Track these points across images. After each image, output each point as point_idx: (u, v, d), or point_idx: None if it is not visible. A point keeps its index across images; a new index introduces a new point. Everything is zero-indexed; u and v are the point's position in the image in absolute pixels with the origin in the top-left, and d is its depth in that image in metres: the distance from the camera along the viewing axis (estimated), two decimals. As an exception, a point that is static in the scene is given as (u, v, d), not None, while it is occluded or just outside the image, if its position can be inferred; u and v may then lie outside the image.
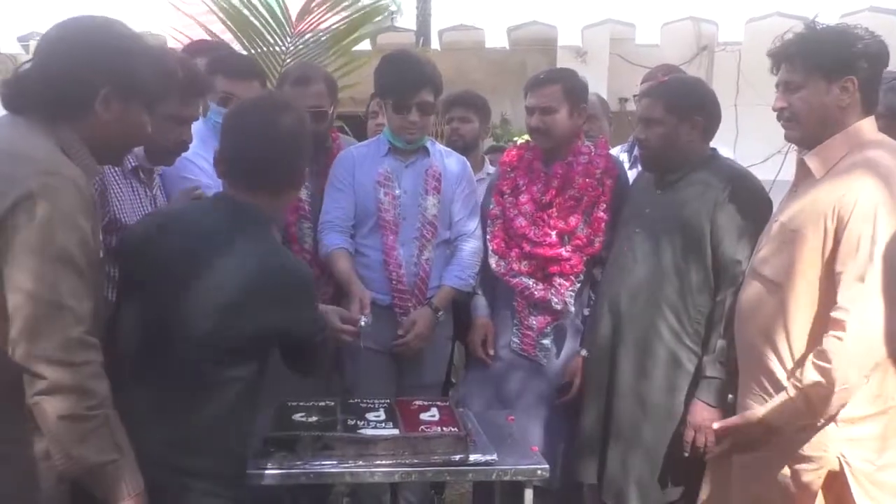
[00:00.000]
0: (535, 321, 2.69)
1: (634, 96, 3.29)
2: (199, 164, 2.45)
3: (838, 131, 1.94)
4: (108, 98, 1.58)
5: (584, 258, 2.67)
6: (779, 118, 2.03)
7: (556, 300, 2.66)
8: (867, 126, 1.96)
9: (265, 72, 2.92)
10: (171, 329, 1.70)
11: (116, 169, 2.06)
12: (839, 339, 1.81)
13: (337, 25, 4.47)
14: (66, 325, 1.43)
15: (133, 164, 2.14)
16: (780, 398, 1.90)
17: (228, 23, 4.36)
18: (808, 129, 1.98)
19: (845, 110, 1.93)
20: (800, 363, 1.95)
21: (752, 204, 2.31)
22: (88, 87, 1.56)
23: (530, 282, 2.67)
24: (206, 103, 2.58)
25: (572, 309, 2.69)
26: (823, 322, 1.90)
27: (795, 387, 1.87)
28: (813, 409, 1.86)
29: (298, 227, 2.76)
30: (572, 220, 2.67)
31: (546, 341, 2.71)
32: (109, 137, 1.63)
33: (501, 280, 2.73)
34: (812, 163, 1.97)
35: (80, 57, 1.56)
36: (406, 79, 2.66)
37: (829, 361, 1.81)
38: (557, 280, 2.67)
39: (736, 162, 2.52)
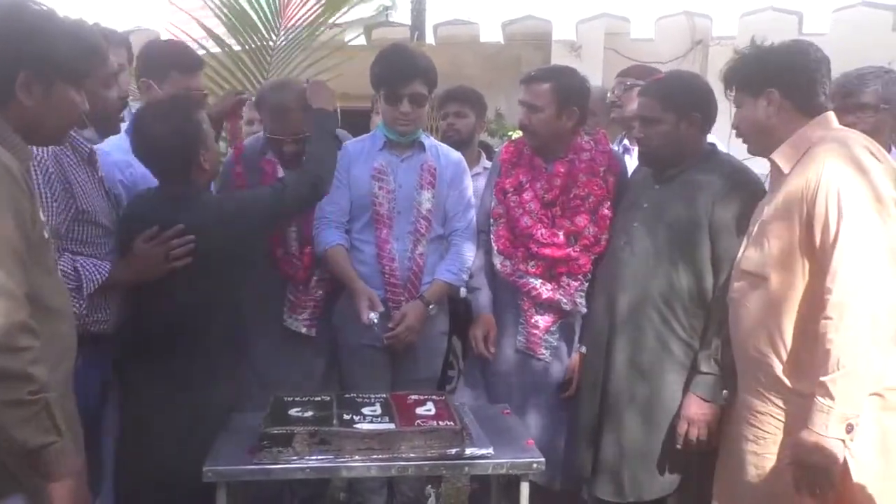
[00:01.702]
0: (540, 320, 2.68)
1: (610, 99, 3.25)
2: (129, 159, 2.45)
3: (783, 135, 2.08)
4: (28, 83, 1.57)
5: (592, 257, 2.66)
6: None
7: (565, 300, 2.65)
8: (825, 121, 2.07)
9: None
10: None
11: (73, 158, 2.07)
12: (829, 318, 1.84)
13: (314, 15, 4.46)
14: (7, 311, 1.42)
15: (87, 150, 2.15)
16: (814, 408, 1.84)
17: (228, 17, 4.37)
18: (754, 141, 2.18)
19: (778, 117, 2.08)
20: (793, 357, 1.97)
21: (751, 199, 2.31)
22: (5, 74, 1.55)
23: (538, 282, 2.66)
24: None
25: (583, 310, 2.67)
26: (809, 309, 1.93)
27: (817, 387, 1.84)
28: (845, 401, 1.81)
29: (284, 232, 2.74)
30: (580, 221, 2.65)
31: (553, 339, 2.70)
32: (40, 121, 1.61)
33: (506, 280, 2.72)
34: (779, 160, 2.08)
35: None
36: (398, 70, 2.66)
37: (823, 345, 1.84)
38: (565, 280, 2.66)
39: (734, 157, 2.54)
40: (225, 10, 4.40)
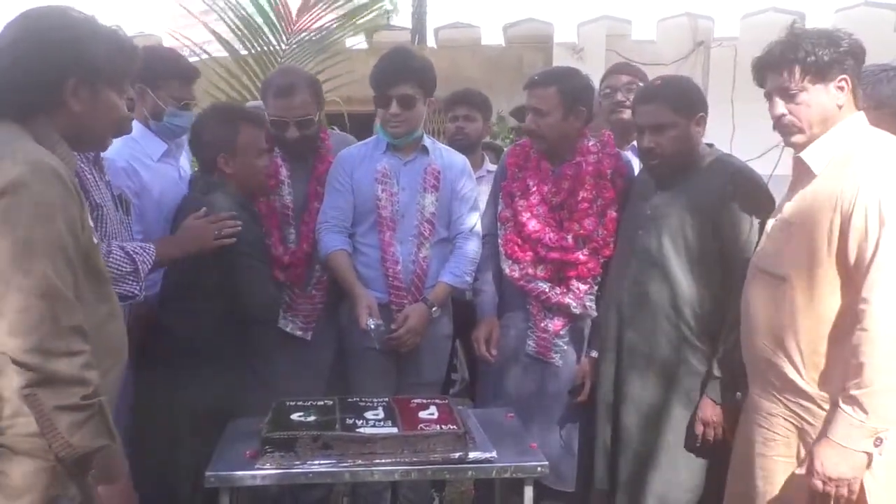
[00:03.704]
0: (550, 324, 2.66)
1: (615, 100, 3.15)
2: (139, 160, 2.52)
3: (829, 128, 1.96)
4: (77, 88, 1.58)
5: (601, 260, 2.64)
6: (776, 126, 2.02)
7: (574, 304, 2.64)
8: (859, 120, 1.98)
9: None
10: None
11: (80, 158, 2.07)
12: (865, 330, 1.79)
13: (330, 23, 4.47)
14: (60, 315, 1.43)
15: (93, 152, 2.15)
16: (839, 419, 1.80)
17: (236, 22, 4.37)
18: (814, 132, 1.97)
19: (842, 108, 1.95)
20: (808, 360, 1.93)
21: (756, 199, 2.29)
22: (55, 81, 1.56)
23: (546, 286, 2.65)
24: (156, 107, 2.57)
25: (593, 313, 2.65)
26: (829, 316, 1.89)
27: (846, 399, 1.80)
28: (878, 416, 1.77)
29: (283, 233, 2.75)
30: (588, 224, 2.63)
31: (562, 343, 2.68)
32: (86, 126, 1.63)
33: (515, 284, 2.71)
34: (809, 159, 1.98)
35: (42, 53, 1.55)
36: (386, 72, 2.66)
37: (857, 357, 1.79)
38: (575, 284, 2.64)
39: (735, 157, 2.51)
40: (230, 14, 4.41)
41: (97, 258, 1.62)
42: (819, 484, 1.84)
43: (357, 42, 5.31)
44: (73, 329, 1.44)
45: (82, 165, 2.09)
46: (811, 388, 1.93)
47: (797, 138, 1.99)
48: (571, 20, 5.88)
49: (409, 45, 4.82)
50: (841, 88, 1.93)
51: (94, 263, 1.60)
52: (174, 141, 2.70)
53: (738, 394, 2.23)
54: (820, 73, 1.92)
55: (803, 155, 1.98)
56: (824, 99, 1.94)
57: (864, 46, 1.96)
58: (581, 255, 2.63)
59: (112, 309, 1.66)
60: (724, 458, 2.28)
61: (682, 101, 2.38)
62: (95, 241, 1.62)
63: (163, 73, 2.58)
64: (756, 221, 2.25)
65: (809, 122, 1.96)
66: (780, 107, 1.97)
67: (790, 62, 1.94)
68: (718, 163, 2.41)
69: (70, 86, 1.57)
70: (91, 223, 1.62)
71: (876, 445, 1.78)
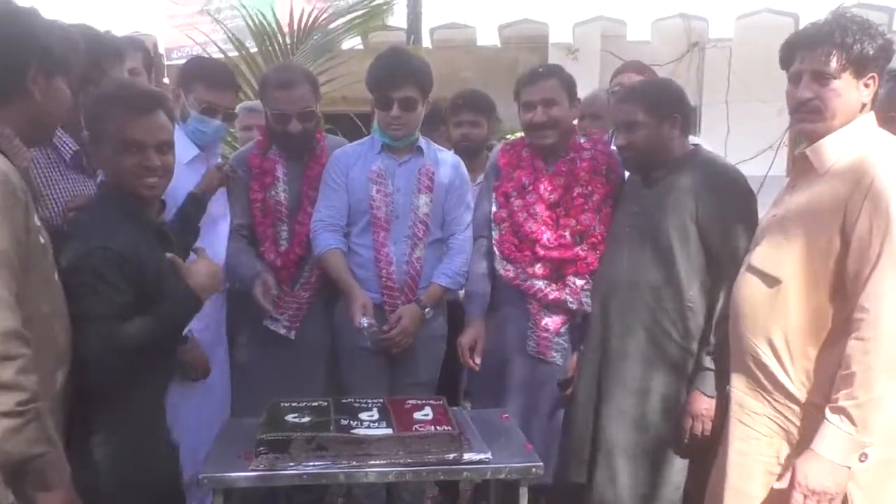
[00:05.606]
0: (550, 322, 2.66)
1: (612, 91, 3.20)
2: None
3: (843, 126, 1.90)
4: (36, 76, 1.58)
5: (599, 255, 2.64)
6: (797, 109, 1.92)
7: (571, 300, 2.64)
8: (869, 121, 1.93)
9: (238, 82, 2.93)
10: None
11: (51, 158, 2.02)
12: (861, 339, 1.75)
13: (339, 26, 4.49)
14: None
15: (72, 150, 2.07)
16: (826, 431, 1.76)
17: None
18: (832, 123, 1.89)
19: (864, 106, 1.89)
20: (797, 363, 1.92)
21: (735, 196, 2.33)
22: (19, 69, 1.56)
23: (542, 283, 2.65)
24: (185, 109, 2.62)
25: (589, 308, 2.64)
26: (823, 320, 1.88)
27: (834, 409, 1.77)
28: (867, 429, 1.73)
29: (276, 230, 2.75)
30: (585, 219, 2.64)
31: (562, 341, 2.68)
32: (40, 117, 1.62)
33: (510, 284, 2.70)
34: (814, 157, 1.92)
35: (3, 43, 1.55)
36: (387, 74, 2.66)
37: (849, 367, 1.75)
38: (572, 279, 2.64)
39: (719, 155, 2.54)
40: (246, 11, 4.44)
41: (44, 260, 1.60)
42: (801, 497, 1.79)
43: (353, 42, 5.31)
44: (11, 333, 1.41)
45: (44, 161, 2.01)
46: (799, 392, 1.92)
47: (817, 126, 1.90)
48: (567, 21, 5.87)
49: (404, 46, 4.82)
50: (867, 86, 1.88)
51: (41, 266, 1.57)
52: (209, 147, 2.72)
53: (728, 386, 2.23)
54: (859, 65, 1.84)
55: (810, 153, 1.93)
56: (853, 93, 1.86)
57: (894, 47, 1.89)
58: (580, 251, 2.64)
59: (56, 308, 1.64)
60: (709, 455, 2.28)
61: (654, 102, 2.43)
62: (42, 241, 1.59)
63: (191, 76, 2.63)
64: (736, 218, 2.27)
65: (834, 112, 1.87)
66: (811, 89, 1.88)
67: (836, 45, 1.83)
68: (699, 161, 2.45)
69: (31, 73, 1.57)
70: (38, 223, 1.58)
71: (861, 461, 1.74)
